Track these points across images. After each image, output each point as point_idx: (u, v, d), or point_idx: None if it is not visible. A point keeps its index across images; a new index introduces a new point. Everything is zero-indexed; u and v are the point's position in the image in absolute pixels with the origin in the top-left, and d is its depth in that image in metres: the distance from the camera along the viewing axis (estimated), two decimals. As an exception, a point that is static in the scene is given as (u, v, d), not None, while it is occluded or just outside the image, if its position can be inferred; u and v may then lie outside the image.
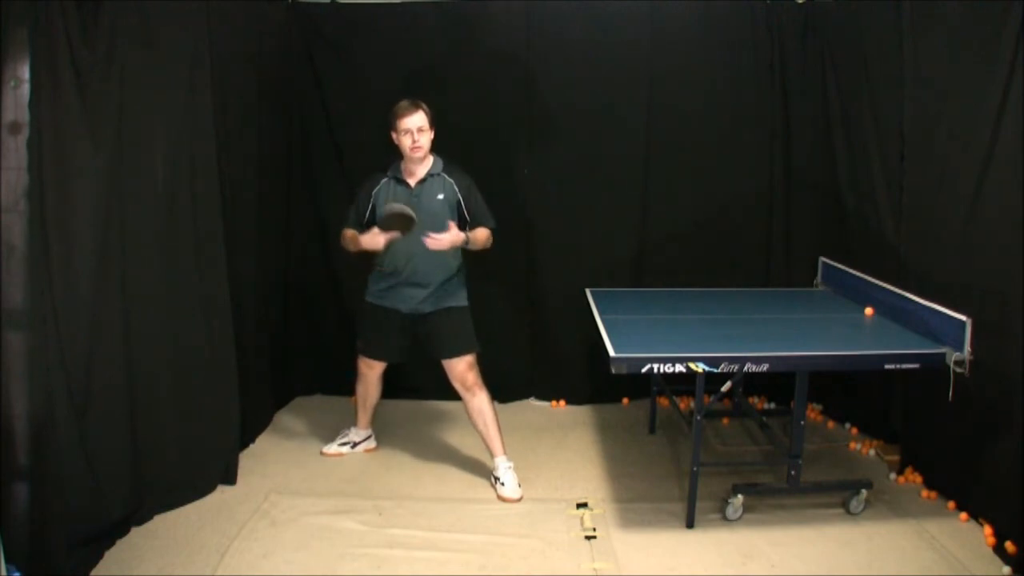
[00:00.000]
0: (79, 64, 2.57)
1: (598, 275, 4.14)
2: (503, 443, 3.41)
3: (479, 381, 3.39)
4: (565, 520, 3.12)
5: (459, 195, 3.31)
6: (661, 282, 4.19)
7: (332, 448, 3.75)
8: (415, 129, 3.20)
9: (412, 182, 3.31)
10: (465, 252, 3.40)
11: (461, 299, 3.42)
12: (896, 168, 3.46)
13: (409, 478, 3.49)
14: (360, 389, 3.68)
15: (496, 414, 3.42)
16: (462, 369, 3.36)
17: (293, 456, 3.70)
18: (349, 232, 3.35)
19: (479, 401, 3.38)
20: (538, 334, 4.40)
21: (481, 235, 3.32)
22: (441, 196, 3.30)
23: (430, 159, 3.33)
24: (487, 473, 3.45)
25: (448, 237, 3.18)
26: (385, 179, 3.35)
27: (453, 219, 3.31)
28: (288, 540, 2.94)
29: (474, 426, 3.44)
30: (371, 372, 3.61)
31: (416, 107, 3.23)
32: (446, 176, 3.32)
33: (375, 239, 3.18)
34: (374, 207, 3.33)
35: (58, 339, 2.56)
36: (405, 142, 3.23)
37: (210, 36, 3.18)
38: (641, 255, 4.30)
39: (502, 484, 3.32)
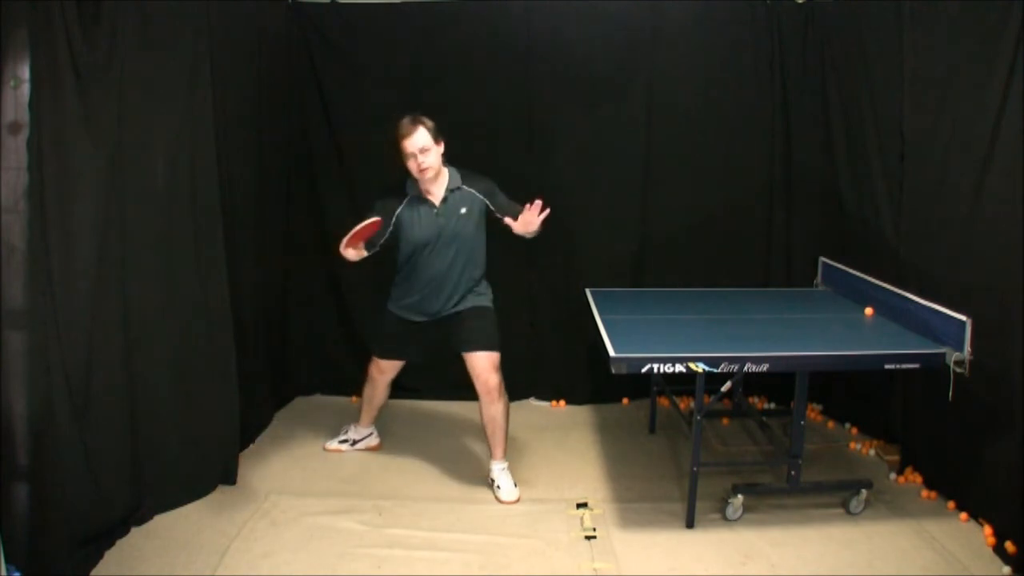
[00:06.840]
0: (79, 64, 2.57)
1: (598, 275, 4.13)
2: (505, 449, 3.38)
3: (502, 388, 3.29)
4: (565, 520, 3.12)
5: (484, 200, 3.26)
6: (661, 282, 4.19)
7: (333, 444, 3.77)
8: (418, 151, 3.08)
9: (435, 201, 3.23)
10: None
11: (487, 300, 3.40)
12: (896, 168, 3.46)
13: (409, 478, 3.49)
14: (367, 391, 3.68)
15: (508, 423, 3.36)
16: (486, 367, 3.26)
17: (293, 456, 3.70)
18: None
19: (495, 410, 3.30)
20: (538, 334, 4.39)
21: None
22: (464, 210, 3.24)
23: (445, 173, 3.24)
24: (487, 473, 3.45)
25: (529, 220, 3.15)
26: (406, 199, 3.24)
27: (480, 228, 3.29)
28: (288, 540, 2.94)
29: (483, 427, 3.39)
30: (381, 377, 3.60)
31: (415, 125, 3.09)
32: (466, 188, 3.26)
33: (347, 252, 3.14)
34: (396, 228, 3.25)
35: (58, 339, 2.56)
36: (411, 166, 3.13)
37: (210, 36, 3.18)
38: (641, 255, 4.29)
39: (498, 487, 3.31)
